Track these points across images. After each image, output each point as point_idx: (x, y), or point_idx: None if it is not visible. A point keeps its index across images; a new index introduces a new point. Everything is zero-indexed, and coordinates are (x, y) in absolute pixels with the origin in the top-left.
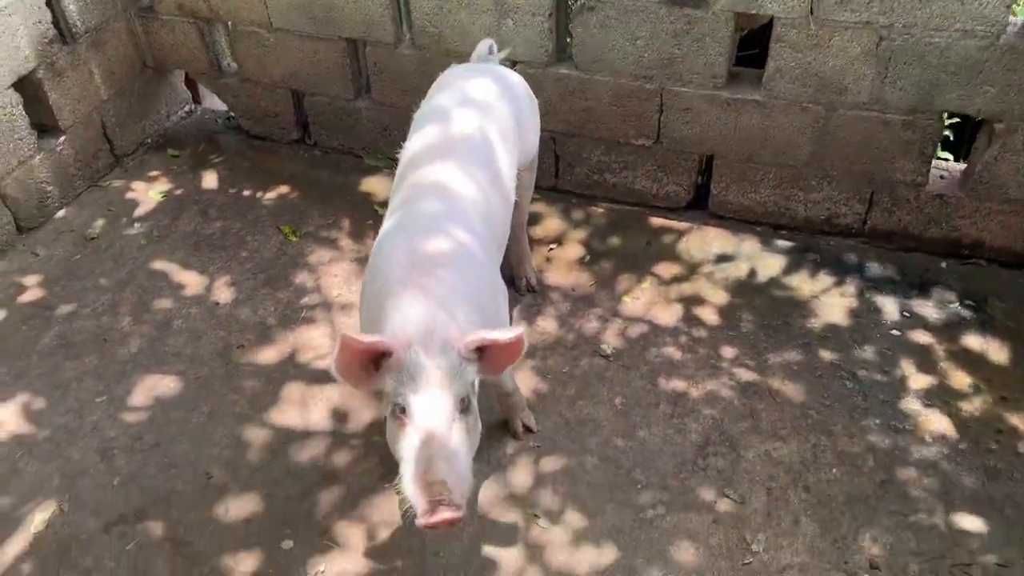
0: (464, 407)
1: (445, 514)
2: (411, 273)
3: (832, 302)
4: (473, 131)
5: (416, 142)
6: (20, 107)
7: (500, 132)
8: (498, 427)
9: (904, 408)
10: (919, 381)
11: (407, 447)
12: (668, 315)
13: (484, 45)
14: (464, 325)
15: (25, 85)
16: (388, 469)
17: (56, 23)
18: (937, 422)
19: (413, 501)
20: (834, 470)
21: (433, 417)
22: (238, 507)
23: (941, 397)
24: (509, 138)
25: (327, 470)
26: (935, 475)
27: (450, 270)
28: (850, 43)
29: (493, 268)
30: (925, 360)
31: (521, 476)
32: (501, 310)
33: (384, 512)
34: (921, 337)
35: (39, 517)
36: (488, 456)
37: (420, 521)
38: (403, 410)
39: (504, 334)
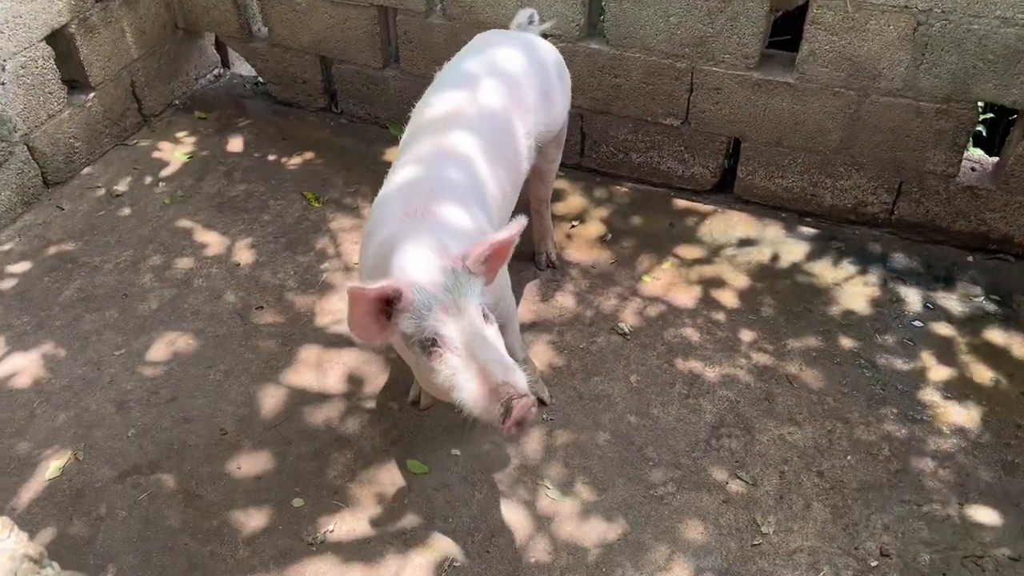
0: (484, 317)
1: (521, 408)
2: (404, 220)
3: (855, 291)
4: (488, 98)
5: (430, 103)
6: (52, 61)
7: (519, 101)
8: None
9: (923, 399)
10: (939, 373)
11: (454, 371)
12: (688, 296)
13: (524, 14)
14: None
15: (57, 39)
16: (401, 434)
17: None
18: (956, 414)
19: (487, 416)
20: (849, 457)
21: (468, 331)
22: (250, 464)
23: (961, 390)
24: (529, 108)
25: (339, 432)
26: (951, 467)
27: (444, 207)
28: (886, 27)
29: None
30: (947, 352)
31: (533, 448)
32: (501, 273)
33: (394, 475)
34: (944, 329)
35: (54, 464)
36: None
37: (506, 427)
38: (434, 342)
39: (505, 232)
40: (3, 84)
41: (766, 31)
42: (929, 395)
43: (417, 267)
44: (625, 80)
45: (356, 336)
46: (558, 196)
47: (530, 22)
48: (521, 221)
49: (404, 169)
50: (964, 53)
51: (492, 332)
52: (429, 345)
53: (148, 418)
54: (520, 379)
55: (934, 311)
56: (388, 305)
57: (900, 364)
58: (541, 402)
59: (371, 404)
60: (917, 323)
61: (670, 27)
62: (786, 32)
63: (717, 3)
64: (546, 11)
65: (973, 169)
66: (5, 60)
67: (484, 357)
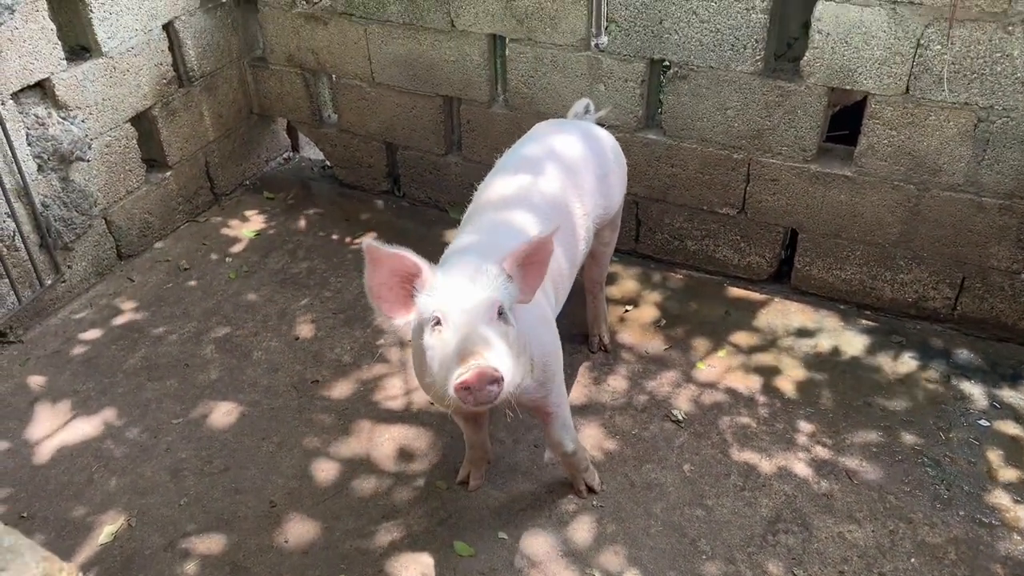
0: (500, 314)
1: (477, 373)
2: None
3: (917, 386)
4: (548, 181)
5: (492, 185)
6: (134, 141)
7: (577, 184)
8: (560, 484)
9: (991, 501)
10: (1008, 474)
11: (442, 345)
12: (744, 385)
13: (581, 104)
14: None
15: (141, 121)
16: (448, 514)
17: (175, 66)
18: None
19: (449, 380)
20: (912, 559)
21: (467, 312)
22: (297, 537)
23: None
24: (587, 191)
25: (387, 509)
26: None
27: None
28: (946, 123)
29: (549, 315)
30: (1015, 453)
31: (581, 534)
32: (551, 354)
33: (440, 557)
34: (1011, 429)
35: (107, 529)
36: (549, 511)
37: (454, 386)
38: (438, 322)
39: (541, 233)
40: (88, 161)
41: (824, 125)
42: (998, 497)
43: (452, 261)
44: (681, 169)
45: (375, 304)
46: (613, 280)
47: (586, 111)
48: (556, 225)
49: (463, 238)
50: None
51: (505, 331)
52: (433, 324)
53: (200, 487)
54: (499, 362)
55: (1001, 410)
56: (411, 285)
57: (966, 463)
58: (591, 490)
59: (420, 481)
60: (983, 422)
61: (727, 119)
62: (844, 127)
63: (775, 97)
64: (605, 103)
65: None
66: (92, 139)
67: (471, 334)
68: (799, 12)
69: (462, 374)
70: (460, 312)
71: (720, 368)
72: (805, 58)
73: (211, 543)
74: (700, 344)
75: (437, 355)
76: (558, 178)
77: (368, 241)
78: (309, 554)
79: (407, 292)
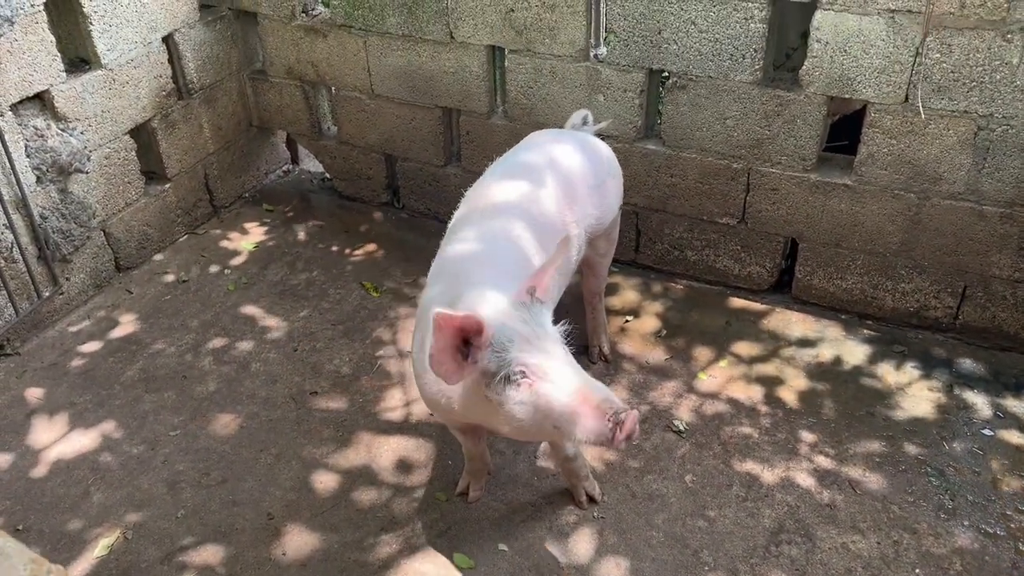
0: None
1: (632, 420)
2: (458, 283)
3: (919, 396)
4: (538, 187)
5: (482, 191)
6: (133, 153)
7: (569, 196)
8: (560, 495)
9: (996, 511)
10: (1013, 484)
11: (550, 399)
12: (745, 395)
13: (579, 115)
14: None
15: (140, 133)
16: (448, 526)
17: (175, 79)
18: None
19: (596, 436)
20: (917, 570)
21: (556, 359)
22: (295, 549)
23: None
24: (579, 203)
25: (386, 521)
26: None
27: (496, 275)
28: (946, 131)
29: None
30: (1020, 462)
31: (582, 546)
32: None
33: (440, 569)
34: (1015, 438)
35: (103, 542)
36: (550, 523)
37: (617, 442)
38: (523, 373)
39: (556, 253)
40: (87, 173)
41: (823, 134)
42: (1003, 507)
43: (487, 304)
44: (681, 179)
45: (436, 371)
46: (613, 291)
47: (584, 123)
48: (567, 239)
49: (454, 246)
50: None
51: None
52: (517, 378)
53: (198, 499)
54: (613, 395)
55: (1005, 419)
56: (466, 344)
57: (970, 473)
58: (591, 499)
59: (419, 493)
60: (987, 431)
61: (726, 129)
62: (843, 137)
63: (774, 106)
64: (604, 113)
65: None
66: (91, 151)
67: (580, 379)
68: (798, 22)
69: (615, 430)
70: (548, 362)
71: (721, 378)
72: (804, 67)
73: (208, 556)
74: (701, 354)
75: (552, 410)
76: (548, 185)
77: (439, 309)
78: (307, 566)
79: (462, 354)
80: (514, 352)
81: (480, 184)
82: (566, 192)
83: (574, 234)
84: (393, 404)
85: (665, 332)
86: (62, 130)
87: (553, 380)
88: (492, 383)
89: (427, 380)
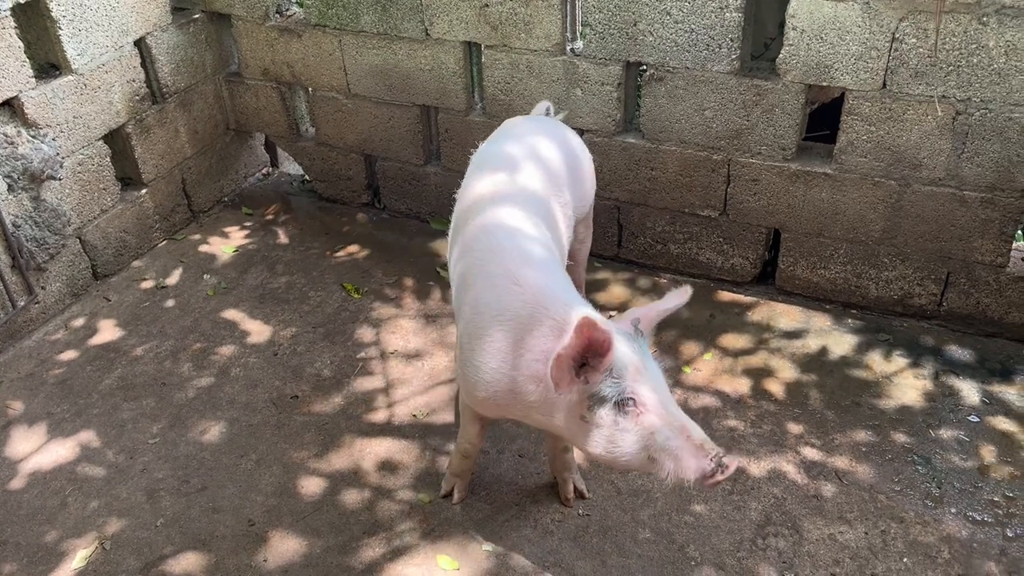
0: None
1: (733, 465)
2: (515, 290)
3: (905, 384)
4: (533, 176)
5: (477, 182)
6: (108, 159)
7: (555, 176)
8: (544, 489)
9: (984, 498)
10: (1001, 471)
11: (655, 433)
12: (731, 388)
13: (542, 106)
14: None
15: (114, 139)
16: (431, 528)
17: (148, 82)
18: (1022, 515)
19: (695, 474)
20: (905, 559)
21: (662, 392)
22: (278, 555)
23: None
24: (566, 186)
25: (369, 525)
26: (1018, 572)
27: (536, 273)
28: (924, 117)
29: None
30: (1008, 448)
31: (568, 544)
32: None
33: (424, 571)
34: (1003, 424)
35: (81, 553)
36: (534, 522)
37: (713, 483)
38: (633, 402)
39: (674, 299)
40: (60, 180)
41: (802, 123)
42: (990, 494)
43: (613, 325)
44: (661, 173)
45: (554, 375)
46: (597, 286)
47: (547, 113)
48: (687, 290)
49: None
50: (1007, 142)
51: None
52: (625, 405)
53: (177, 507)
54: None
55: (991, 405)
56: (582, 364)
57: (957, 460)
58: (581, 495)
59: (402, 496)
60: (973, 418)
61: (705, 120)
62: (824, 127)
63: (753, 96)
64: (583, 107)
65: None
66: (64, 157)
67: (682, 417)
68: (775, 12)
69: (717, 471)
70: (655, 395)
71: (707, 372)
72: (781, 55)
73: (189, 564)
74: (686, 348)
75: (645, 438)
76: (538, 171)
77: (587, 314)
78: (289, 572)
79: (575, 371)
80: (627, 381)
81: (478, 172)
82: (555, 176)
83: (565, 217)
84: (375, 406)
85: None
86: (33, 137)
87: (661, 414)
88: (594, 406)
89: (487, 369)
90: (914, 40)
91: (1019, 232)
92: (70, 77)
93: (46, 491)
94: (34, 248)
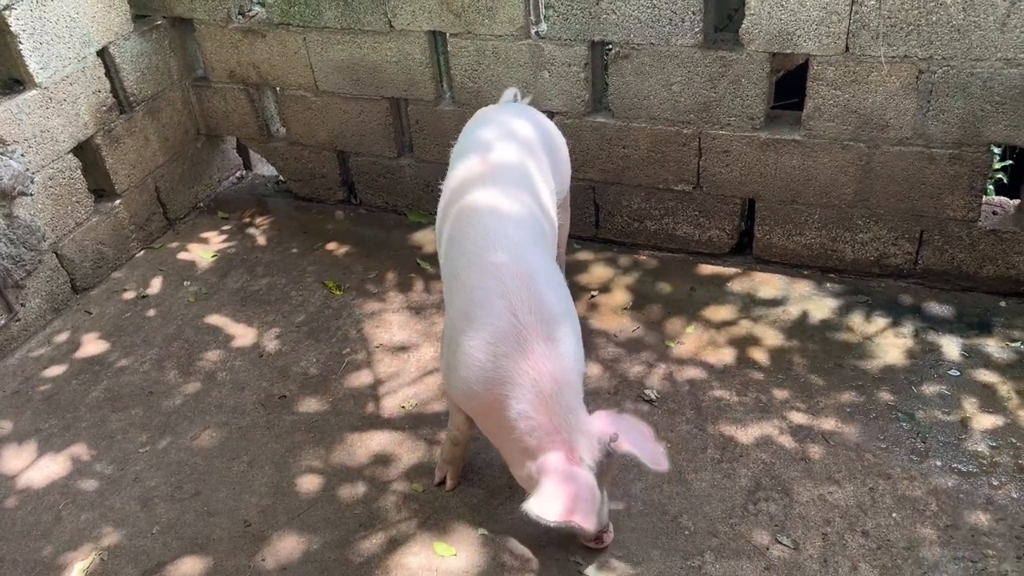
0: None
1: (609, 541)
2: (514, 321)
3: (886, 343)
4: (517, 161)
5: (462, 172)
6: (79, 171)
7: (538, 164)
8: None
9: (969, 449)
10: (984, 421)
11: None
12: (716, 359)
13: (509, 92)
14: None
15: (84, 150)
16: (427, 516)
17: (115, 92)
18: (1006, 463)
19: (587, 531)
20: (894, 514)
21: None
22: (275, 554)
23: (1008, 438)
24: (545, 169)
25: (364, 518)
26: (1006, 519)
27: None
28: (888, 78)
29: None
30: (990, 400)
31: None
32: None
33: (422, 560)
34: (984, 376)
35: (78, 566)
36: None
37: (589, 541)
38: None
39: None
40: (32, 195)
41: (769, 91)
42: (975, 444)
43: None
44: (634, 150)
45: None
46: (579, 268)
47: (515, 99)
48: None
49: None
50: (970, 97)
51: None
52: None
53: (172, 514)
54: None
55: (971, 359)
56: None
57: (941, 415)
58: None
59: (396, 487)
60: (954, 372)
61: (673, 95)
62: (792, 94)
63: (718, 68)
64: (550, 89)
65: (995, 213)
66: (34, 172)
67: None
68: None
69: (595, 538)
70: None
71: (691, 344)
72: (744, 25)
73: (187, 568)
74: (669, 323)
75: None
76: (521, 155)
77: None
78: (288, 569)
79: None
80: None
81: (459, 165)
82: (535, 158)
83: (549, 199)
84: (364, 401)
85: (632, 304)
86: (1, 154)
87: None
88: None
89: (464, 372)
90: (873, 2)
91: (989, 186)
92: (34, 91)
93: (40, 507)
94: (10, 266)
